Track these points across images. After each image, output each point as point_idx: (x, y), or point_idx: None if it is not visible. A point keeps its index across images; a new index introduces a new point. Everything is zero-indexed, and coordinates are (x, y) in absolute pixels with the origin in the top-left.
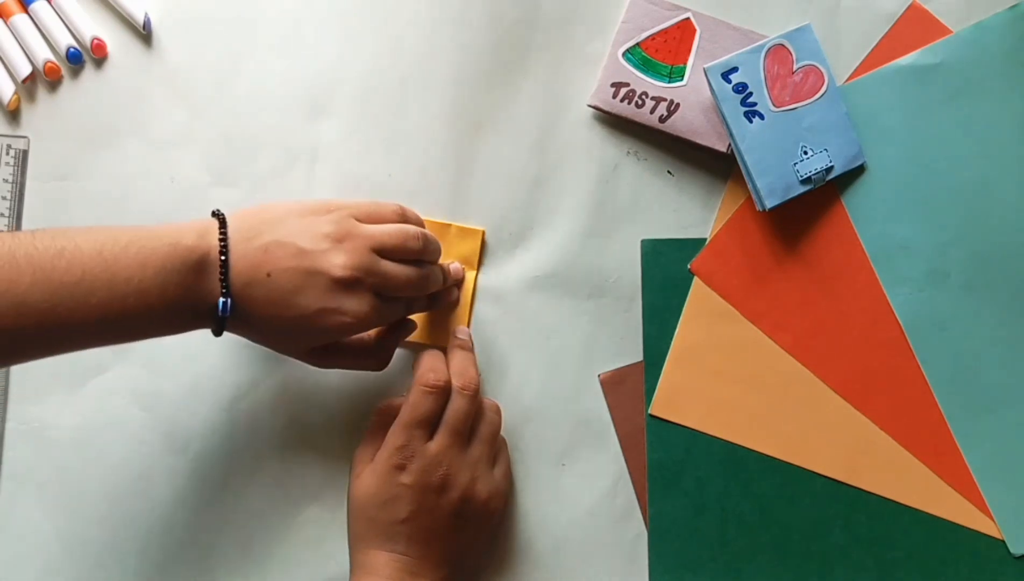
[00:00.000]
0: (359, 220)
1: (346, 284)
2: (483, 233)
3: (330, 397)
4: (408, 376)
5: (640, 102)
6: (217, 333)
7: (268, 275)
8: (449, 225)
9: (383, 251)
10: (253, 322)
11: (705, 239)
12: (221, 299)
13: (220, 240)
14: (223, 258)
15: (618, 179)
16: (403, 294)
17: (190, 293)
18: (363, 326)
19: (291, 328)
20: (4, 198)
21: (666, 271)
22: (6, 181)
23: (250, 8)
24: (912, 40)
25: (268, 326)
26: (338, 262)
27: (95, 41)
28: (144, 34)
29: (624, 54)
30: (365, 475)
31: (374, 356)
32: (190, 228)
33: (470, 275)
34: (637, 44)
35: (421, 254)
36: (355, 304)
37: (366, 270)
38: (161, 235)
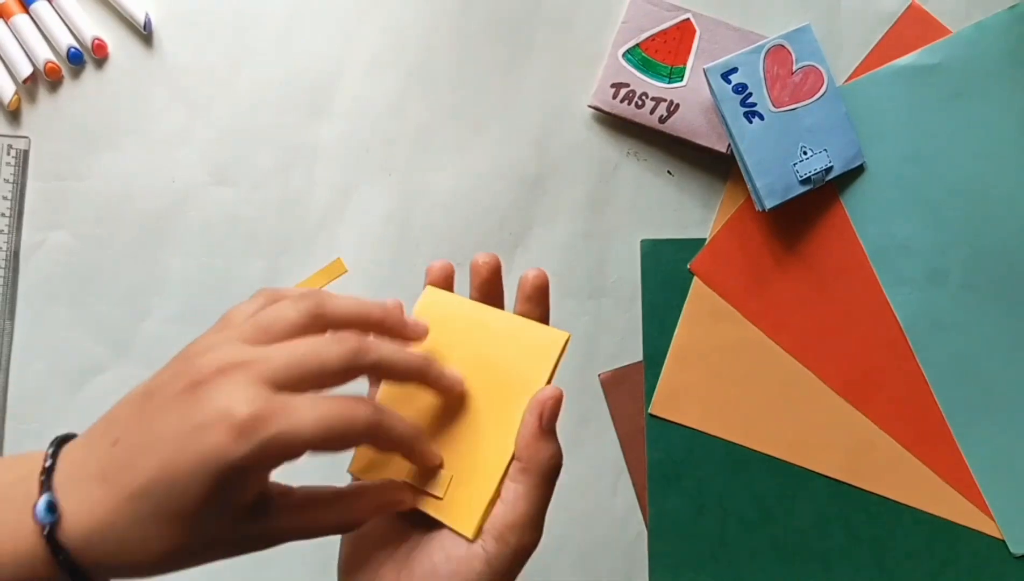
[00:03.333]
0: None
1: None
2: (567, 339)
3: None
4: None
5: (640, 102)
6: None
7: None
8: (524, 330)
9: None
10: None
11: (705, 239)
12: None
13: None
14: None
15: (618, 179)
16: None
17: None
18: None
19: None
20: (5, 198)
21: (666, 271)
22: (7, 181)
23: (250, 8)
24: (912, 40)
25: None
26: None
27: (96, 41)
28: (144, 34)
29: (624, 54)
30: None
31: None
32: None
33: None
34: (637, 44)
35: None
36: None
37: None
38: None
